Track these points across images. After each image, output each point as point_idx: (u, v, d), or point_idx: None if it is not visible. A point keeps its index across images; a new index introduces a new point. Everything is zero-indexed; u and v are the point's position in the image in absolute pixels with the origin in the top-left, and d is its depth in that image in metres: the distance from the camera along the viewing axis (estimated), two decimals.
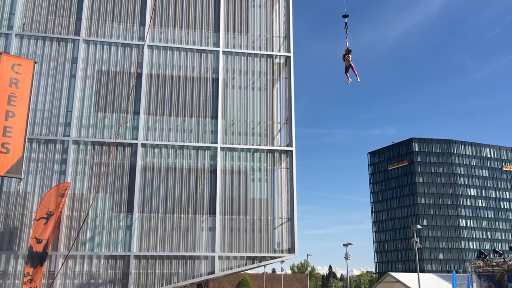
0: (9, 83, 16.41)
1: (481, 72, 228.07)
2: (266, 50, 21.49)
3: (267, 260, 19.42)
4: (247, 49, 21.31)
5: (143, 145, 19.45)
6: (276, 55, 21.56)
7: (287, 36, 21.80)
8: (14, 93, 16.34)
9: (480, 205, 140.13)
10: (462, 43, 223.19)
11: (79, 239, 18.10)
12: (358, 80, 18.12)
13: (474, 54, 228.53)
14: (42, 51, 19.70)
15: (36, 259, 16.65)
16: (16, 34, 19.47)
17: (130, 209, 18.74)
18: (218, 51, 20.95)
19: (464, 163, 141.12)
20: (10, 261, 17.56)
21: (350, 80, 18.25)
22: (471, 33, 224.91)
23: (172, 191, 19.26)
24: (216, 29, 21.24)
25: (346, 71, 18.29)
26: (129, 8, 20.81)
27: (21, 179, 16.84)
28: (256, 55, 21.37)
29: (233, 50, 21.14)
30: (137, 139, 19.42)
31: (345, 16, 18.22)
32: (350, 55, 17.96)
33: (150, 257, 18.41)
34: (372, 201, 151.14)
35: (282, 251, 19.57)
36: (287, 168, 20.42)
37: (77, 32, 20.08)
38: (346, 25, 18.18)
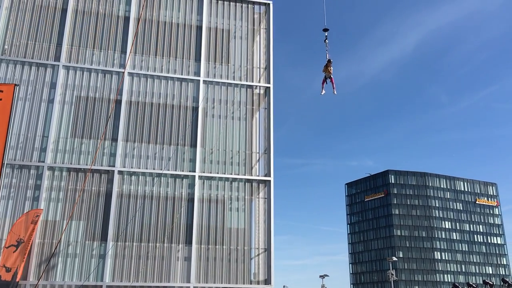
0: None
1: (455, 107, 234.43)
2: (246, 81, 21.76)
3: None
4: (227, 79, 21.54)
5: (120, 172, 19.23)
6: (256, 86, 21.84)
7: (267, 67, 22.16)
8: None
9: (455, 238, 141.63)
10: (436, 78, 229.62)
11: (50, 268, 17.59)
12: (335, 92, 18.47)
13: (448, 89, 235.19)
14: (21, 76, 19.53)
15: None
16: None
17: (104, 237, 18.36)
18: (199, 80, 21.12)
19: (439, 196, 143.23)
20: None
21: (324, 91, 18.61)
22: (445, 69, 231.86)
23: (148, 220, 18.98)
24: (197, 59, 21.45)
25: (324, 81, 18.64)
26: (110, 35, 20.90)
27: None
28: (236, 85, 21.59)
29: (213, 79, 21.34)
30: (114, 166, 19.21)
31: (325, 30, 18.79)
32: (331, 67, 18.38)
33: (123, 287, 17.96)
34: (349, 232, 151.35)
35: (258, 282, 19.36)
36: (265, 198, 20.40)
37: (57, 58, 20.02)
38: (326, 38, 18.73)
